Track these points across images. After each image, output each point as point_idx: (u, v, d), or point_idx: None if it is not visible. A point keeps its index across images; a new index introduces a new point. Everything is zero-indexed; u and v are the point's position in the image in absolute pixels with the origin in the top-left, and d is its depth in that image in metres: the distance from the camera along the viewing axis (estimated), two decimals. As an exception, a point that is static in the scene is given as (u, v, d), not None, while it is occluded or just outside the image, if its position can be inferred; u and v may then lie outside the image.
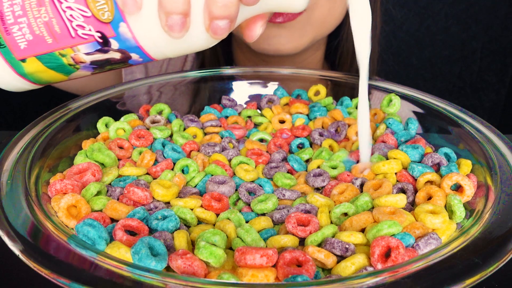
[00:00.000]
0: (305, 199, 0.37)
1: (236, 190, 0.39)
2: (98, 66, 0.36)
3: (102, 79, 0.70)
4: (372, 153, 0.42)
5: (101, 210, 0.34)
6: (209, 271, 0.28)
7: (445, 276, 0.25)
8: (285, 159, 0.44)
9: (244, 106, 0.54)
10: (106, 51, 0.34)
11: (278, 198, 0.37)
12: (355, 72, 0.72)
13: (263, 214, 0.36)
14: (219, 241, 0.30)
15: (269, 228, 0.34)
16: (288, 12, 0.36)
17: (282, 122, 0.50)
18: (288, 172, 0.42)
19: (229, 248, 0.32)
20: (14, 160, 0.35)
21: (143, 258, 0.26)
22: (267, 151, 0.45)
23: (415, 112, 0.47)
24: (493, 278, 0.25)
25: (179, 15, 0.31)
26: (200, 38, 0.34)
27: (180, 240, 0.30)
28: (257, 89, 0.56)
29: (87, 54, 0.34)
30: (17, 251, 0.26)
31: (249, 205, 0.37)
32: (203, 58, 0.77)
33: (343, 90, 0.54)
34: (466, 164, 0.38)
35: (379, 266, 0.27)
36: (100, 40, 0.33)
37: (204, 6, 0.32)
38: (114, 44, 0.33)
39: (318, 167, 0.42)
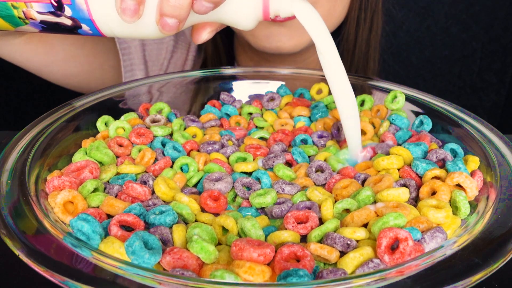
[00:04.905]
0: (305, 194, 0.36)
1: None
2: (47, 26, 0.36)
3: (102, 76, 0.70)
4: (375, 153, 0.42)
5: (98, 207, 0.34)
6: (203, 263, 0.28)
7: (445, 276, 0.25)
8: (284, 151, 0.44)
9: (243, 101, 0.54)
10: (58, 15, 0.34)
11: (277, 192, 0.37)
12: (355, 72, 0.72)
13: (262, 208, 0.36)
14: (199, 233, 0.30)
15: (269, 226, 0.34)
16: (235, 27, 0.38)
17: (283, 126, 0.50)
18: (287, 163, 0.42)
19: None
20: (14, 160, 0.35)
21: (137, 250, 0.26)
22: (266, 146, 0.45)
23: (415, 112, 0.47)
24: (493, 278, 0.25)
25: (133, 1, 0.32)
26: (150, 28, 0.35)
27: (180, 233, 0.30)
28: (258, 89, 0.56)
29: (39, 13, 0.34)
30: (16, 251, 0.26)
31: (247, 199, 0.37)
32: (205, 57, 0.77)
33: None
34: (474, 161, 0.37)
35: (386, 258, 0.27)
36: (55, 4, 0.34)
37: (158, 0, 0.33)
38: (68, 11, 0.34)
39: (325, 160, 0.41)
